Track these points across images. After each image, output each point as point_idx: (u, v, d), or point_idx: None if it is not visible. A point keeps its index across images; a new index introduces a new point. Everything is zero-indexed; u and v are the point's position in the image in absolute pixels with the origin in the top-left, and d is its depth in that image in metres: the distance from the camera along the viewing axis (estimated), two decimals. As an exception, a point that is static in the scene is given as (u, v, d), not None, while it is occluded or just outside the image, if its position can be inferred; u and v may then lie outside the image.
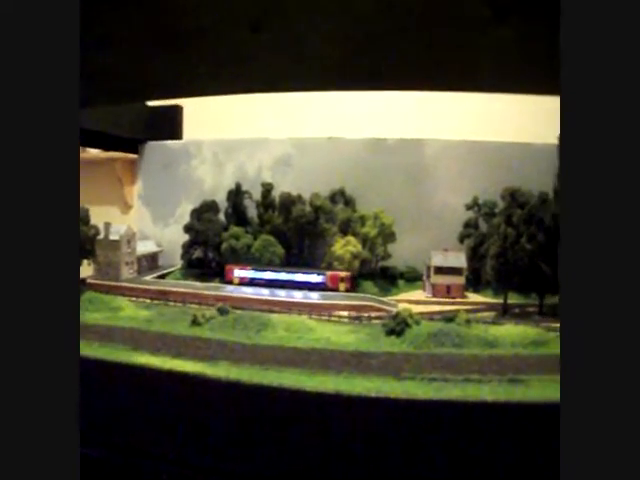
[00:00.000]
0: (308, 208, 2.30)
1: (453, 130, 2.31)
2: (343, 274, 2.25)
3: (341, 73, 1.12)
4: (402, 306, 1.83)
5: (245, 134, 2.55)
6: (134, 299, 2.08)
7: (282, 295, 2.12)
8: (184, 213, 2.56)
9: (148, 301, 2.09)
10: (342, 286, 2.24)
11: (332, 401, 1.36)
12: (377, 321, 1.92)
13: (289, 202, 2.32)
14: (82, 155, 3.97)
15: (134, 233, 2.37)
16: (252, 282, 2.31)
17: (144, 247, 2.45)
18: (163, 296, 2.11)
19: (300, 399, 1.37)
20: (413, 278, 2.33)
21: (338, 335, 1.77)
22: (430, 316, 1.82)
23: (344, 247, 2.21)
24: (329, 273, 2.26)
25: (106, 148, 2.65)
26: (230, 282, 2.34)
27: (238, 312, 1.89)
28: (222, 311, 1.86)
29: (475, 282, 2.25)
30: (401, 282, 2.34)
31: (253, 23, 1.00)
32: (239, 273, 2.33)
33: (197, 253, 2.47)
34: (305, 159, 2.43)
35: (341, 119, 2.54)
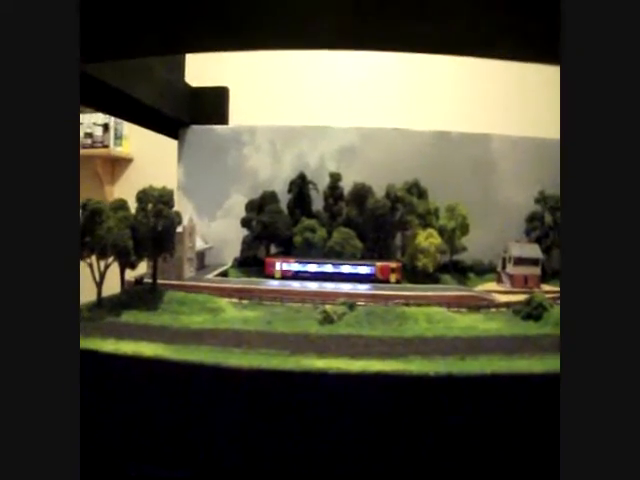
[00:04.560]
0: (382, 199, 2.20)
1: (517, 126, 2.39)
2: (394, 265, 2.15)
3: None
4: (537, 291, 1.82)
5: (298, 121, 2.37)
6: (230, 300, 1.80)
7: (406, 289, 1.98)
8: (234, 205, 2.28)
9: (244, 301, 1.82)
10: (393, 277, 2.14)
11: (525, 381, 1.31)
12: (493, 309, 1.89)
13: (363, 193, 2.19)
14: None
15: (194, 226, 2.06)
16: (296, 275, 2.12)
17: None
18: (252, 294, 1.86)
19: (494, 383, 1.30)
20: (482, 271, 2.35)
21: (481, 323, 1.71)
22: (555, 301, 1.84)
23: (427, 239, 2.15)
24: (379, 264, 2.14)
25: (146, 126, 2.27)
26: (271, 276, 2.12)
27: (361, 308, 1.73)
28: (351, 307, 1.69)
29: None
30: (471, 275, 2.34)
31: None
32: (281, 266, 2.12)
33: (256, 249, 2.22)
34: (370, 149, 2.33)
35: (405, 110, 2.51)
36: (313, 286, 1.96)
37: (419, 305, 1.76)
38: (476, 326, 1.67)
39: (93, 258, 1.63)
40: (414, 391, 1.27)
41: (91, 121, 3.65)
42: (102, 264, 1.65)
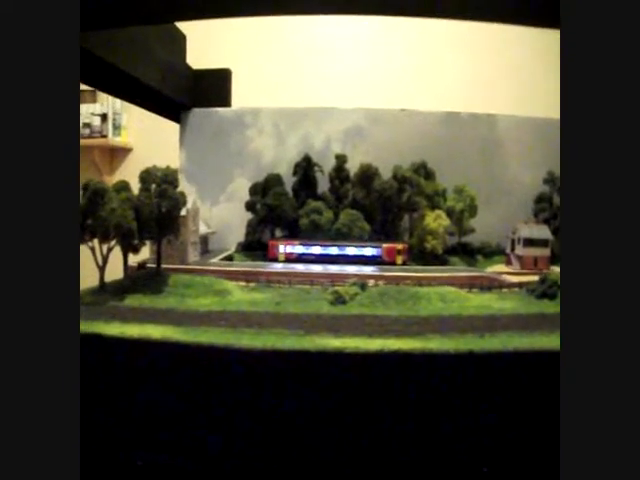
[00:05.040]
0: (389, 180, 2.15)
1: (525, 106, 2.35)
2: (400, 246, 2.11)
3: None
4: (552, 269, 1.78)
5: (302, 103, 2.32)
6: (236, 282, 1.75)
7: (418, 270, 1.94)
8: (238, 189, 2.23)
9: (251, 284, 1.77)
10: (399, 259, 2.09)
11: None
12: (505, 289, 1.86)
13: (370, 174, 2.14)
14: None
15: (198, 209, 2.00)
16: (300, 258, 2.07)
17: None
18: (259, 277, 1.82)
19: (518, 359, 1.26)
20: (490, 253, 2.31)
21: (495, 302, 1.67)
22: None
23: (436, 221, 2.11)
24: (385, 245, 2.10)
25: (148, 108, 2.21)
26: (274, 259, 2.07)
27: (373, 288, 1.68)
28: (362, 287, 1.64)
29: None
30: (479, 257, 2.30)
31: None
32: (285, 249, 2.07)
33: (261, 233, 2.17)
34: (376, 131, 2.28)
35: (412, 91, 2.45)
36: (318, 269, 1.91)
37: (431, 285, 1.72)
38: (490, 305, 1.63)
39: (95, 241, 1.58)
40: (435, 368, 1.23)
41: (89, 111, 3.58)
42: (105, 247, 1.60)
